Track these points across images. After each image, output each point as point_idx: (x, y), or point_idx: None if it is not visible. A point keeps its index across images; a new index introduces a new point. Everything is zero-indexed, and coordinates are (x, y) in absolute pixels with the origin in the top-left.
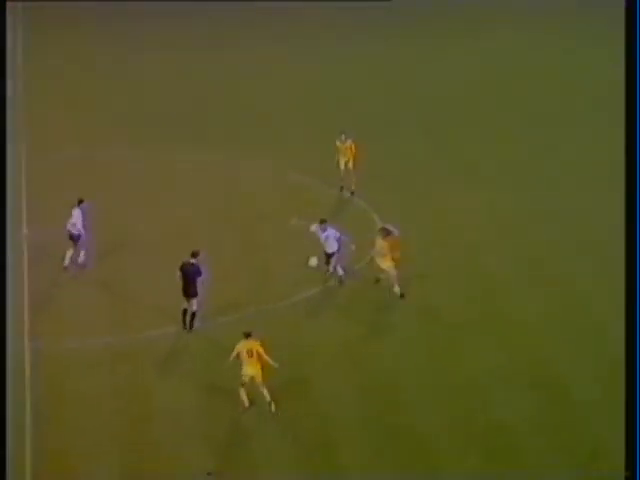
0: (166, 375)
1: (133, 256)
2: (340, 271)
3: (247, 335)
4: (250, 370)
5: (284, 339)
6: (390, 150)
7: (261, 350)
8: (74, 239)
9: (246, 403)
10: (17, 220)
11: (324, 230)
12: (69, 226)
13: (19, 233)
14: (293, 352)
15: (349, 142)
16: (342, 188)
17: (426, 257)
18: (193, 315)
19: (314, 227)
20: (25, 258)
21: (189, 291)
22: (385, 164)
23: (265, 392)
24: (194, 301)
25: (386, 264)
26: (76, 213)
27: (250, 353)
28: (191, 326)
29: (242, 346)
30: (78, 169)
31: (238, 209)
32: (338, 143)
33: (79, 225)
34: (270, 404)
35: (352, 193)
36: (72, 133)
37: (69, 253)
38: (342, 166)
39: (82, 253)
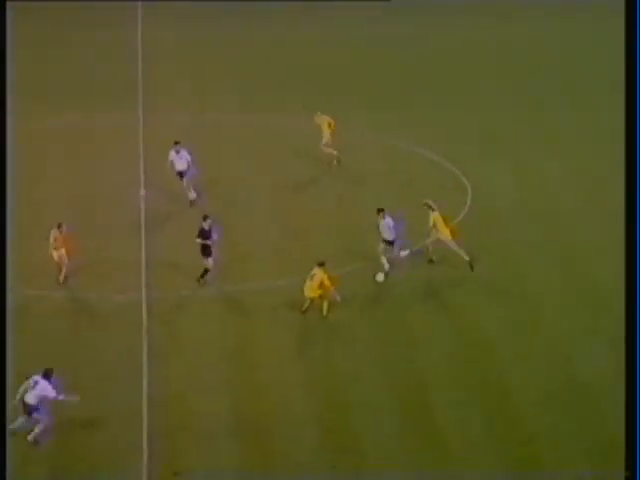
0: (274, 325)
1: (246, 215)
2: (386, 265)
3: (321, 264)
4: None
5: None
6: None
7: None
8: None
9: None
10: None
11: (383, 219)
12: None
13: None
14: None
15: (325, 118)
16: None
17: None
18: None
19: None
20: (142, 217)
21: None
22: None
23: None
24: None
25: (443, 235)
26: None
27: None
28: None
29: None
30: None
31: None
32: (316, 120)
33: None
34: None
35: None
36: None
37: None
38: (323, 141)
39: (191, 189)
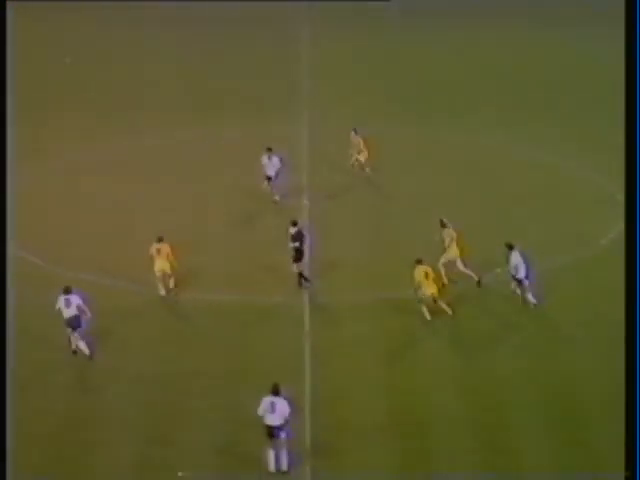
0: (428, 328)
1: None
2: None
3: (419, 262)
4: (431, 290)
5: None
6: None
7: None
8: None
9: (428, 316)
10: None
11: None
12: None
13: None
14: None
15: (359, 137)
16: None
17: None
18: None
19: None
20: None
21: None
22: None
23: (444, 305)
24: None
25: (451, 254)
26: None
27: (427, 276)
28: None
29: (421, 271)
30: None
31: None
32: (351, 138)
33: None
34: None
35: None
36: None
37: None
38: (353, 159)
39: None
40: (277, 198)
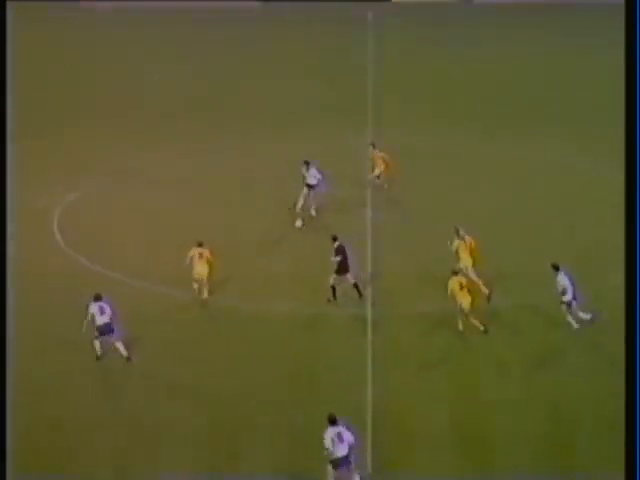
0: (489, 342)
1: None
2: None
3: (455, 273)
4: (465, 301)
5: None
6: None
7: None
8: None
9: (460, 327)
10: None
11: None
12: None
13: None
14: None
15: (379, 153)
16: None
17: None
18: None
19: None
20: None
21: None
22: None
23: (476, 322)
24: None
25: (463, 264)
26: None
27: (461, 286)
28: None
29: (455, 282)
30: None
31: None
32: (370, 152)
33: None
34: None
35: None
36: None
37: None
38: (374, 173)
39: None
40: (313, 213)
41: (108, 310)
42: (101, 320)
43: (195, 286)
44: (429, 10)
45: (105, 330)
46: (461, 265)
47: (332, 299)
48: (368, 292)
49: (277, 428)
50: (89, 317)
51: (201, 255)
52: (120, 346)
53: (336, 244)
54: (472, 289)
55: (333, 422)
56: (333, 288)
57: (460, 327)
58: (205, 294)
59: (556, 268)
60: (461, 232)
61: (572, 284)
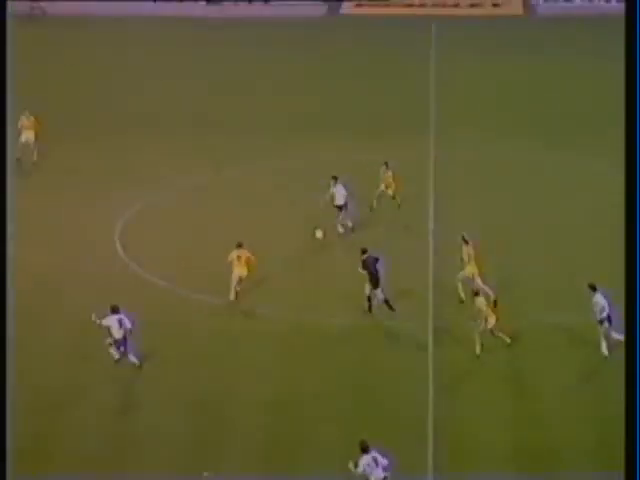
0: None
1: None
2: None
3: (476, 294)
4: (492, 319)
5: None
6: None
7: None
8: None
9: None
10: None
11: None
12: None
13: None
14: None
15: (389, 173)
16: (371, 208)
17: None
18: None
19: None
20: (431, 246)
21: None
22: None
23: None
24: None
25: (469, 271)
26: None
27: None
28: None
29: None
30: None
31: None
32: (381, 172)
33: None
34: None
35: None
36: None
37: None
38: (381, 189)
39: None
40: (341, 230)
41: (127, 324)
42: (119, 334)
43: (237, 288)
44: (492, 21)
45: (120, 342)
46: (467, 273)
47: (367, 310)
48: (429, 305)
49: (335, 442)
50: (103, 327)
51: (239, 257)
52: (132, 357)
53: (364, 257)
54: (495, 309)
55: (366, 450)
56: (369, 298)
57: (478, 350)
58: (232, 296)
59: (593, 288)
60: (468, 239)
61: (609, 304)
